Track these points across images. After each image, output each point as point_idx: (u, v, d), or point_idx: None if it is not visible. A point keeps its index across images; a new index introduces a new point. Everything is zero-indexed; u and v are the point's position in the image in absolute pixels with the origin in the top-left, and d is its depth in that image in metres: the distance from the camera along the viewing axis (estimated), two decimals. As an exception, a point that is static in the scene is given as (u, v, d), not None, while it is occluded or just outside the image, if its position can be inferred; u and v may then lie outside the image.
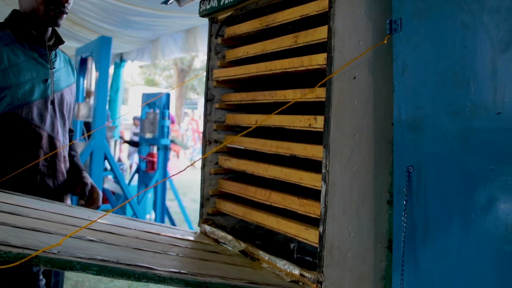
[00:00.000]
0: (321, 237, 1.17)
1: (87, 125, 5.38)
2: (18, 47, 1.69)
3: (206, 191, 1.77)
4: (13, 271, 1.59)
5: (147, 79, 26.43)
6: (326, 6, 1.22)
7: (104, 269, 0.91)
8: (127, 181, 6.13)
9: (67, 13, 1.76)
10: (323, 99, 1.20)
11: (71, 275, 4.10)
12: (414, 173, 1.13)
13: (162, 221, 5.45)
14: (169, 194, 6.25)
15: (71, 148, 1.99)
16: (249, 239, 1.56)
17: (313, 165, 1.33)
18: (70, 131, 1.96)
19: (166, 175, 5.48)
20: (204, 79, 1.83)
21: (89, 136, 4.76)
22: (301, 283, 1.23)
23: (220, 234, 1.64)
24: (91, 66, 5.38)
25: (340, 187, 1.19)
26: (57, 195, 1.77)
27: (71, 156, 1.98)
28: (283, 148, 1.43)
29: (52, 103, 1.76)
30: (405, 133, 1.15)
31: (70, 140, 1.98)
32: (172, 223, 5.57)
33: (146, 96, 5.83)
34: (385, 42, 1.20)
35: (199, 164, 1.53)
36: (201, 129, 1.97)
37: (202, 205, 1.76)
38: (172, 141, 6.06)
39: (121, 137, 9.18)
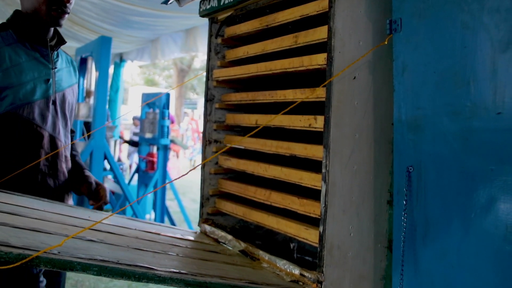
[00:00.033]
0: (321, 237, 1.17)
1: (87, 125, 5.39)
2: (20, 47, 1.69)
3: (206, 191, 1.77)
4: (13, 272, 1.59)
5: (147, 79, 26.43)
6: (326, 6, 1.22)
7: (104, 270, 0.91)
8: (127, 181, 6.13)
9: (68, 13, 1.76)
10: (323, 99, 1.20)
11: (71, 274, 4.10)
12: (414, 173, 1.13)
13: (162, 221, 5.45)
14: (169, 194, 6.25)
15: (72, 148, 1.99)
16: (249, 239, 1.56)
17: (313, 165, 1.33)
18: (71, 131, 1.96)
19: (166, 175, 5.48)
20: (203, 79, 1.83)
21: (89, 136, 4.76)
22: (301, 283, 1.23)
23: (220, 234, 1.64)
24: (91, 66, 5.38)
25: (340, 187, 1.19)
26: (58, 195, 1.77)
27: (73, 156, 1.97)
28: (283, 148, 1.43)
29: (54, 103, 1.75)
30: (405, 133, 1.15)
31: (71, 140, 1.98)
32: (172, 223, 5.58)
33: (146, 96, 5.83)
34: (386, 43, 1.20)
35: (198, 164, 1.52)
36: (201, 129, 1.97)
37: (202, 205, 1.76)
38: (172, 141, 6.06)
39: (120, 137, 9.19)
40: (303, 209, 1.33)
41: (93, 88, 5.30)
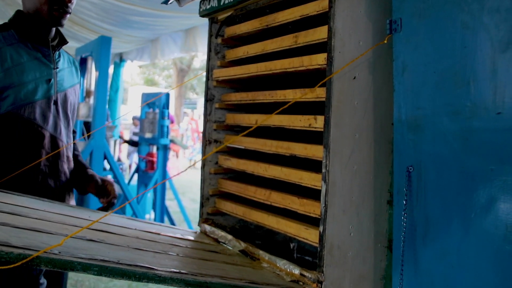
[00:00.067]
0: (321, 237, 1.17)
1: (87, 125, 5.39)
2: (21, 47, 1.69)
3: (206, 190, 1.77)
4: (13, 273, 1.59)
5: (147, 79, 26.43)
6: (326, 6, 1.22)
7: (105, 269, 0.91)
8: (126, 181, 6.13)
9: (70, 13, 1.76)
10: (323, 99, 1.20)
11: (71, 274, 4.09)
12: (414, 173, 1.13)
13: (162, 220, 5.45)
14: (169, 194, 6.25)
15: (74, 148, 1.99)
16: (249, 238, 1.56)
17: (313, 165, 1.33)
18: (73, 131, 1.96)
19: (166, 175, 5.49)
20: (203, 79, 1.84)
21: (89, 136, 4.76)
22: (301, 283, 1.23)
23: (220, 233, 1.64)
24: (91, 66, 5.38)
25: (340, 187, 1.19)
26: (58, 196, 1.76)
27: (75, 156, 1.97)
28: (283, 148, 1.43)
29: (55, 103, 1.75)
30: (405, 133, 1.16)
31: (72, 140, 1.98)
32: (172, 222, 5.58)
33: (145, 96, 5.83)
34: (385, 42, 1.20)
35: (199, 164, 1.53)
36: (201, 128, 1.97)
37: (202, 205, 1.76)
38: (171, 141, 6.06)
39: (120, 137, 9.19)
40: (303, 209, 1.33)
41: (93, 88, 5.30)
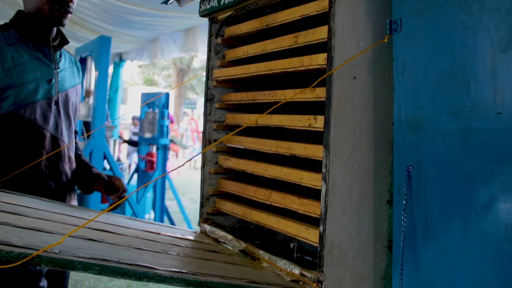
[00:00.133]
0: (321, 237, 1.17)
1: (87, 125, 5.39)
2: (22, 47, 1.68)
3: (206, 190, 1.77)
4: (13, 272, 1.59)
5: (146, 79, 26.42)
6: (326, 6, 1.22)
7: (105, 269, 0.91)
8: (126, 181, 6.13)
9: (71, 13, 1.75)
10: (323, 99, 1.21)
11: (70, 274, 4.09)
12: (414, 173, 1.13)
13: (161, 220, 5.45)
14: (168, 194, 6.25)
15: (76, 148, 1.98)
16: (249, 238, 1.56)
17: (313, 165, 1.33)
18: (75, 132, 1.95)
19: (165, 175, 5.49)
20: (203, 79, 1.84)
21: (88, 136, 4.76)
22: (301, 283, 1.23)
23: (220, 233, 1.64)
24: (91, 66, 5.38)
25: (340, 186, 1.19)
26: (59, 196, 1.75)
27: (78, 156, 1.96)
28: (283, 147, 1.44)
29: (56, 103, 1.74)
30: (405, 133, 1.16)
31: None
32: (171, 222, 5.58)
33: (145, 96, 5.83)
34: (386, 41, 1.21)
35: (199, 164, 1.53)
36: (201, 128, 1.98)
37: (202, 205, 1.76)
38: (171, 141, 6.06)
39: (120, 137, 9.18)
40: (303, 209, 1.33)
41: (92, 87, 5.30)
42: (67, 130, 1.80)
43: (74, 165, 1.86)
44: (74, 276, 4.12)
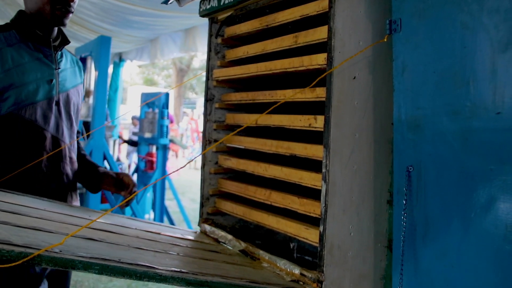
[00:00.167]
0: (321, 237, 1.17)
1: (86, 125, 5.39)
2: (23, 47, 1.67)
3: (206, 190, 1.77)
4: (13, 272, 1.58)
5: (146, 79, 26.42)
6: (326, 6, 1.22)
7: (106, 268, 0.92)
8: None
9: (73, 12, 1.74)
10: (323, 99, 1.21)
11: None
12: (414, 173, 1.13)
13: (161, 220, 5.45)
14: (168, 194, 6.25)
15: (80, 148, 1.98)
16: (249, 238, 1.56)
17: (313, 165, 1.33)
18: (77, 132, 1.94)
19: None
20: (203, 79, 1.84)
21: (88, 136, 4.76)
22: (301, 283, 1.23)
23: (220, 233, 1.64)
24: (91, 66, 5.39)
25: (340, 186, 1.19)
26: (60, 198, 1.74)
27: (82, 156, 1.96)
28: (283, 147, 1.44)
29: (57, 103, 1.73)
30: (405, 133, 1.16)
31: (77, 141, 1.96)
32: (171, 222, 5.58)
33: (145, 96, 5.83)
34: (385, 40, 1.21)
35: (198, 164, 1.53)
36: (201, 128, 1.98)
37: (202, 205, 1.77)
38: (171, 141, 6.06)
39: (120, 137, 9.18)
40: (303, 209, 1.33)
41: (92, 87, 5.30)
42: (68, 130, 1.79)
43: (75, 165, 1.85)
44: (74, 277, 4.12)
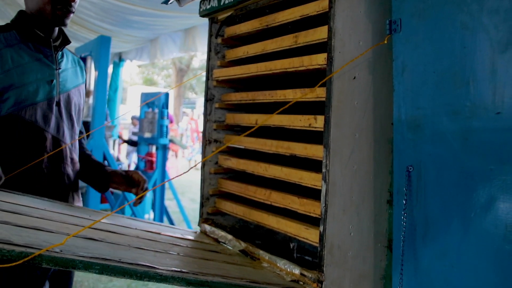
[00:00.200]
0: (321, 237, 1.17)
1: (86, 125, 5.39)
2: (23, 48, 1.67)
3: (206, 190, 1.77)
4: (14, 272, 1.58)
5: (146, 79, 26.43)
6: (326, 6, 1.22)
7: (106, 268, 0.92)
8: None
9: (74, 12, 1.74)
10: (323, 99, 1.21)
11: (70, 274, 4.09)
12: (414, 173, 1.13)
13: (161, 220, 5.45)
14: (168, 194, 6.25)
15: (83, 148, 1.97)
16: (249, 238, 1.56)
17: (313, 165, 1.34)
18: (80, 132, 1.94)
19: (165, 175, 5.49)
20: (202, 79, 1.85)
21: (88, 136, 4.76)
22: (301, 283, 1.23)
23: (220, 233, 1.64)
24: (90, 66, 5.39)
25: (340, 186, 1.19)
26: (61, 198, 1.73)
27: (87, 156, 1.95)
28: (283, 147, 1.44)
29: (58, 104, 1.72)
30: (405, 133, 1.16)
31: (80, 142, 1.95)
32: (171, 222, 5.58)
33: (145, 96, 5.83)
34: (385, 42, 1.21)
35: (198, 164, 1.53)
36: (201, 128, 1.98)
37: (202, 205, 1.77)
38: (170, 141, 6.06)
39: (119, 137, 9.18)
40: (303, 209, 1.33)
41: (92, 87, 5.30)
42: (69, 131, 1.78)
43: (77, 166, 1.84)
44: (74, 277, 4.12)
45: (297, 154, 1.37)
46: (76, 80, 1.85)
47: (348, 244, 1.20)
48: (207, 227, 1.72)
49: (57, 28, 1.78)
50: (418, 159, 1.13)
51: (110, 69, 7.25)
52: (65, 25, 1.73)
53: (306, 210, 1.32)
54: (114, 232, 1.35)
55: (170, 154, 10.21)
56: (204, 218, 1.76)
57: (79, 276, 4.13)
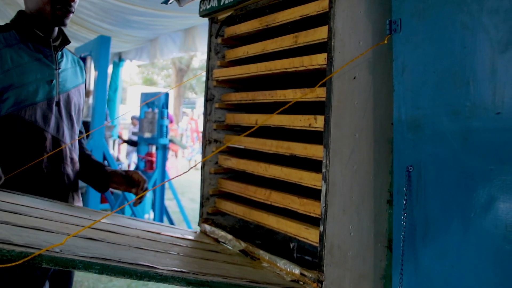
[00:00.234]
0: (321, 237, 1.17)
1: (86, 125, 5.39)
2: (22, 48, 1.67)
3: (206, 190, 1.77)
4: (13, 272, 1.58)
5: (146, 79, 26.42)
6: (326, 6, 1.22)
7: (106, 268, 0.92)
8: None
9: (73, 12, 1.74)
10: (323, 99, 1.21)
11: (70, 274, 4.09)
12: (414, 173, 1.13)
13: (161, 220, 5.45)
14: (168, 194, 6.25)
15: (83, 148, 1.97)
16: (249, 238, 1.56)
17: (313, 165, 1.34)
18: (80, 132, 1.94)
19: (165, 175, 5.49)
20: (202, 79, 1.85)
21: (87, 136, 4.76)
22: (301, 283, 1.23)
23: (220, 233, 1.64)
24: (90, 66, 5.39)
25: (340, 186, 1.19)
26: (61, 199, 1.73)
27: (87, 156, 1.95)
28: (283, 147, 1.44)
29: (57, 104, 1.72)
30: (405, 133, 1.16)
31: (80, 142, 1.95)
32: (171, 222, 5.58)
33: (145, 96, 5.83)
34: (385, 42, 1.21)
35: (198, 164, 1.53)
36: (201, 128, 1.98)
37: (202, 205, 1.77)
38: (170, 141, 6.06)
39: (119, 137, 9.18)
40: (303, 209, 1.33)
41: (92, 87, 5.30)
42: (69, 131, 1.78)
43: (77, 166, 1.84)
44: (74, 277, 4.12)
45: (297, 154, 1.37)
46: (76, 80, 1.85)
47: (348, 244, 1.20)
48: (207, 227, 1.72)
49: (56, 28, 1.78)
50: (418, 159, 1.13)
51: (110, 69, 7.24)
52: (64, 25, 1.73)
53: (306, 210, 1.32)
54: (114, 232, 1.35)
55: (170, 154, 10.22)
56: (204, 218, 1.76)
57: (79, 276, 4.13)
